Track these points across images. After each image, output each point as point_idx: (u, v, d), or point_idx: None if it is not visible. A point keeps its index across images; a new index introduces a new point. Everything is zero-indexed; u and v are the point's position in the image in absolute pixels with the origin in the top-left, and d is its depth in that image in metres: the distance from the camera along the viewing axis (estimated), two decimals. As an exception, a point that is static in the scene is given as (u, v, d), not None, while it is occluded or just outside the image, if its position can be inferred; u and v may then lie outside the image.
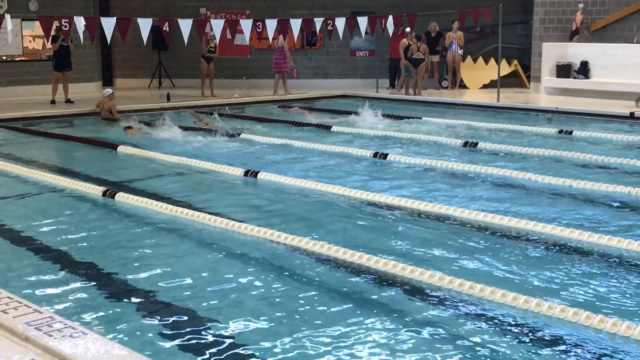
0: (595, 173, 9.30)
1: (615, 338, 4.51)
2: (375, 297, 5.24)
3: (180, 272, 5.71)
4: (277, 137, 12.31)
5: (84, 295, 5.28)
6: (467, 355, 4.33)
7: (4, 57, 18.33)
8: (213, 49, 18.38)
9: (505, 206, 7.66)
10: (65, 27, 14.72)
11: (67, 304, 5.06)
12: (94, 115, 14.99)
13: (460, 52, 19.47)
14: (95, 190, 8.35)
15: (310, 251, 6.15)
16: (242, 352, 4.35)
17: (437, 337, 4.57)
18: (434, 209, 7.44)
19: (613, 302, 5.10)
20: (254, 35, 17.08)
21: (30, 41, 18.64)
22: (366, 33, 17.13)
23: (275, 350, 4.38)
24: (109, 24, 14.57)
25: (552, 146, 11.15)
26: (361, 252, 5.97)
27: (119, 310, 4.99)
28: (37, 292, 5.28)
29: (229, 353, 4.33)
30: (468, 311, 4.94)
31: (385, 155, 10.42)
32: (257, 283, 5.50)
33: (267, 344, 4.44)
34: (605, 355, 4.34)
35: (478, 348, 4.41)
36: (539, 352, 4.37)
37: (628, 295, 5.22)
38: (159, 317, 4.85)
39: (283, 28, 16.60)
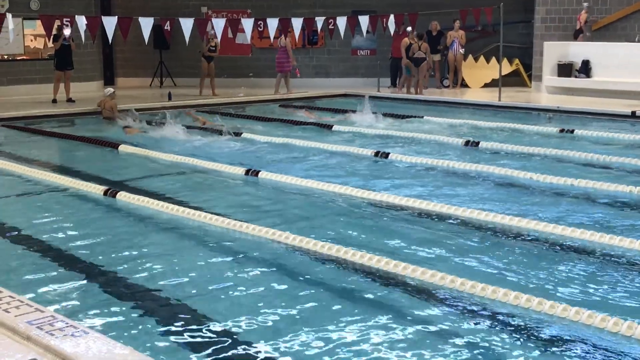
0: (596, 172, 9.29)
1: (617, 337, 4.51)
2: (376, 296, 5.24)
3: (182, 271, 5.71)
4: (278, 136, 12.31)
5: (86, 294, 5.28)
6: (469, 354, 4.32)
7: (6, 56, 18.34)
8: (213, 48, 18.39)
9: (507, 205, 7.66)
10: (67, 26, 14.72)
11: (69, 303, 5.06)
12: (96, 115, 14.99)
13: (462, 51, 19.47)
14: (96, 190, 8.35)
15: (311, 250, 6.15)
16: (244, 351, 4.36)
17: (438, 336, 4.56)
18: (435, 208, 7.44)
19: (614, 302, 5.09)
20: (255, 35, 17.09)
21: (31, 40, 18.64)
22: (367, 32, 17.12)
23: (277, 348, 4.38)
24: (110, 23, 14.59)
25: (554, 145, 11.14)
26: (362, 251, 5.97)
27: (120, 309, 4.99)
28: (38, 291, 5.28)
29: (230, 352, 4.34)
30: (470, 310, 4.94)
31: (386, 155, 10.42)
32: (258, 282, 5.50)
33: (269, 343, 4.44)
34: (606, 354, 4.33)
35: (480, 347, 4.40)
36: (540, 351, 4.37)
37: (630, 295, 5.22)
38: (160, 316, 4.85)
39: (284, 27, 16.61)
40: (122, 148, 11.19)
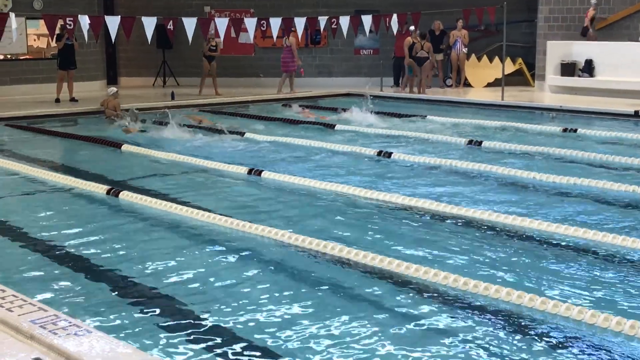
0: (600, 172, 9.28)
1: (620, 337, 4.51)
2: (378, 296, 5.24)
3: (185, 271, 5.72)
4: (280, 135, 12.31)
5: (88, 293, 5.29)
6: (470, 352, 4.33)
7: (9, 56, 18.35)
8: (214, 48, 18.41)
9: (509, 204, 7.65)
10: (70, 25, 14.73)
11: (72, 302, 5.07)
12: (99, 114, 15.00)
13: (465, 50, 19.44)
14: (99, 189, 8.36)
15: (313, 250, 6.15)
16: (246, 349, 4.36)
17: (440, 335, 4.56)
18: (438, 207, 7.43)
19: (617, 301, 5.09)
20: (258, 34, 17.09)
21: (34, 40, 18.66)
22: (370, 31, 17.11)
23: (279, 347, 4.38)
24: (113, 23, 14.60)
25: (557, 145, 11.13)
26: (365, 251, 5.97)
27: (123, 308, 5.00)
28: (41, 290, 5.28)
29: (232, 350, 4.34)
30: (472, 309, 4.94)
31: (389, 154, 10.41)
32: (260, 281, 5.51)
33: (271, 342, 4.45)
34: (608, 354, 4.33)
35: (481, 347, 4.40)
36: (541, 350, 4.37)
37: (632, 294, 5.21)
38: (163, 315, 4.85)
39: (287, 27, 16.60)
40: (125, 147, 11.20)
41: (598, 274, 5.63)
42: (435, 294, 5.21)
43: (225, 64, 19.79)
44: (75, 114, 15.59)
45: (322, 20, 16.60)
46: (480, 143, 11.39)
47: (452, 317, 4.83)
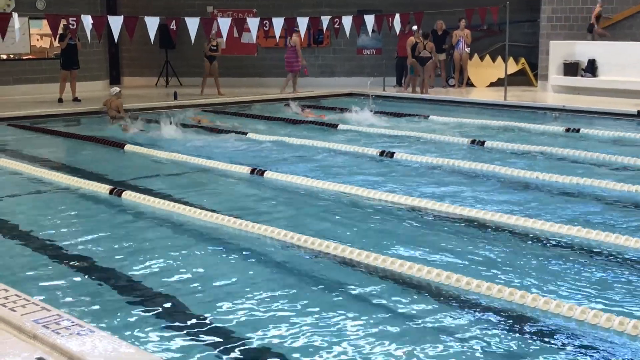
0: (602, 171, 9.27)
1: (623, 336, 4.50)
2: (381, 296, 5.24)
3: (188, 270, 5.72)
4: (283, 135, 12.31)
5: (92, 293, 5.29)
6: (472, 352, 4.32)
7: (12, 56, 18.38)
8: (215, 48, 18.42)
9: (512, 204, 7.65)
10: (73, 25, 14.75)
11: (75, 302, 5.07)
12: (102, 114, 15.01)
13: (467, 50, 19.43)
14: (102, 189, 8.37)
15: (316, 250, 6.15)
16: (249, 349, 4.36)
17: (443, 335, 4.56)
18: (441, 207, 7.43)
19: (619, 301, 5.08)
20: (260, 34, 17.09)
21: (37, 39, 18.68)
22: (373, 31, 17.10)
23: (281, 346, 4.38)
24: (116, 23, 14.60)
25: (560, 144, 11.12)
26: (368, 251, 5.97)
27: (126, 308, 5.00)
28: (44, 289, 5.29)
29: (234, 349, 4.34)
30: (476, 310, 4.94)
31: (391, 154, 10.41)
32: (264, 281, 5.51)
33: (274, 341, 4.45)
34: (611, 354, 4.33)
35: (484, 346, 4.40)
36: (542, 350, 4.36)
37: (635, 294, 5.21)
38: (166, 315, 4.86)
39: (290, 26, 16.60)
40: (128, 148, 11.21)
41: (600, 274, 5.63)
42: (436, 294, 5.21)
43: (227, 64, 19.80)
44: (78, 113, 15.61)
45: (325, 20, 16.60)
46: (483, 143, 11.38)
47: (454, 317, 4.82)
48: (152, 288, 5.36)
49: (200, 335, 4.56)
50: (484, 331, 4.61)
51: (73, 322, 3.95)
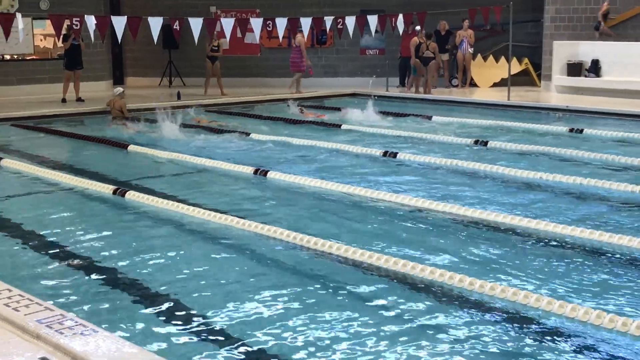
0: (606, 172, 9.27)
1: (626, 337, 4.50)
2: (382, 295, 5.24)
3: (191, 271, 5.73)
4: (286, 135, 12.31)
5: (95, 292, 5.30)
6: (473, 352, 4.32)
7: (15, 56, 18.40)
8: (216, 48, 18.44)
9: (515, 205, 7.64)
10: (76, 26, 14.76)
11: (78, 302, 5.08)
12: (105, 114, 15.03)
13: (471, 50, 19.42)
14: (105, 189, 8.37)
15: (319, 250, 6.16)
16: (251, 348, 4.37)
17: (445, 335, 4.56)
18: (444, 208, 7.42)
19: (623, 302, 5.08)
20: (264, 34, 17.09)
21: (41, 40, 18.71)
22: (376, 31, 17.10)
23: (284, 345, 4.39)
24: (119, 23, 14.61)
25: (563, 145, 11.11)
26: (371, 251, 5.98)
27: (129, 308, 5.01)
28: (48, 289, 5.30)
29: (238, 349, 4.35)
30: (478, 310, 4.94)
31: (394, 154, 10.40)
32: (267, 281, 5.51)
33: (276, 341, 4.45)
34: (615, 355, 4.32)
35: (485, 346, 4.40)
36: (545, 351, 4.36)
37: (638, 295, 5.20)
38: (169, 315, 4.86)
39: (293, 27, 16.61)
40: (132, 148, 11.22)
41: (604, 275, 5.62)
42: (439, 294, 5.21)
43: (231, 64, 19.81)
44: (81, 114, 15.62)
45: (328, 21, 16.60)
46: (486, 143, 11.37)
47: (456, 318, 4.82)
48: (156, 288, 5.37)
49: (204, 335, 4.56)
50: (486, 331, 4.60)
51: (76, 321, 3.96)
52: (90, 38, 15.26)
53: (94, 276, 5.63)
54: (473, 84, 19.89)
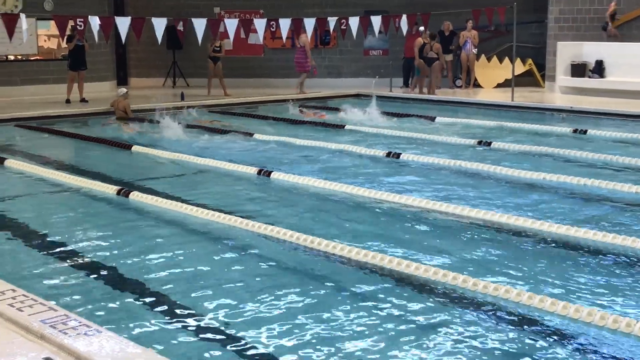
0: (609, 173, 9.25)
1: (630, 338, 4.49)
2: (384, 295, 5.24)
3: (195, 271, 5.73)
4: (289, 135, 12.30)
5: (99, 293, 5.30)
6: (474, 352, 4.32)
7: (19, 57, 18.43)
8: (218, 49, 18.46)
9: (518, 205, 7.64)
10: (80, 26, 14.78)
11: (82, 302, 5.08)
12: (109, 115, 15.05)
13: (475, 51, 19.42)
14: (109, 189, 8.38)
15: (322, 250, 6.15)
16: (254, 348, 4.37)
17: (446, 335, 4.56)
18: (448, 209, 7.42)
19: (627, 303, 5.07)
20: (267, 35, 17.10)
21: (45, 40, 18.74)
22: (380, 32, 17.09)
23: (286, 346, 4.39)
24: (123, 24, 14.64)
25: (567, 145, 11.10)
26: (374, 252, 5.98)
27: (133, 308, 5.01)
28: (51, 289, 5.30)
29: (241, 349, 4.35)
30: (482, 311, 4.93)
31: (398, 155, 10.40)
32: (270, 281, 5.51)
33: (278, 341, 4.45)
34: (618, 356, 4.32)
35: (487, 346, 4.40)
36: (547, 351, 4.35)
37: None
38: (173, 316, 4.86)
39: (297, 27, 16.61)
40: (135, 148, 11.23)
41: (607, 276, 5.61)
42: (442, 294, 5.21)
43: (234, 65, 19.82)
44: (85, 114, 15.64)
45: (332, 21, 16.60)
46: (489, 144, 11.37)
47: (459, 318, 4.82)
48: (159, 288, 5.37)
49: (208, 335, 4.56)
50: (490, 332, 4.60)
51: (80, 322, 3.96)
52: (94, 39, 15.29)
53: (97, 276, 5.64)
54: (477, 85, 19.88)
